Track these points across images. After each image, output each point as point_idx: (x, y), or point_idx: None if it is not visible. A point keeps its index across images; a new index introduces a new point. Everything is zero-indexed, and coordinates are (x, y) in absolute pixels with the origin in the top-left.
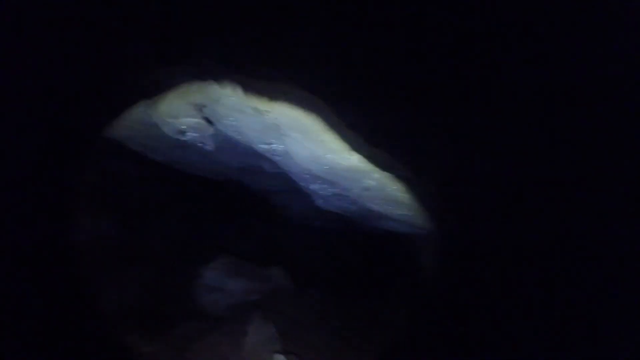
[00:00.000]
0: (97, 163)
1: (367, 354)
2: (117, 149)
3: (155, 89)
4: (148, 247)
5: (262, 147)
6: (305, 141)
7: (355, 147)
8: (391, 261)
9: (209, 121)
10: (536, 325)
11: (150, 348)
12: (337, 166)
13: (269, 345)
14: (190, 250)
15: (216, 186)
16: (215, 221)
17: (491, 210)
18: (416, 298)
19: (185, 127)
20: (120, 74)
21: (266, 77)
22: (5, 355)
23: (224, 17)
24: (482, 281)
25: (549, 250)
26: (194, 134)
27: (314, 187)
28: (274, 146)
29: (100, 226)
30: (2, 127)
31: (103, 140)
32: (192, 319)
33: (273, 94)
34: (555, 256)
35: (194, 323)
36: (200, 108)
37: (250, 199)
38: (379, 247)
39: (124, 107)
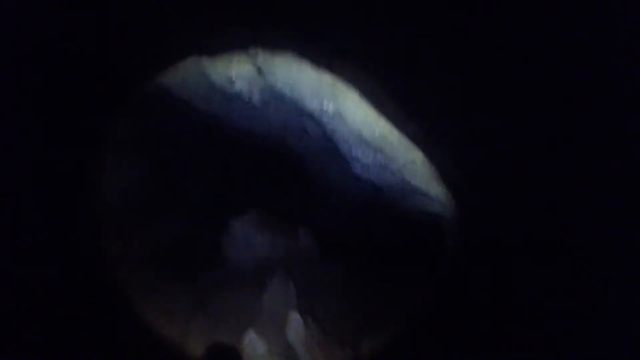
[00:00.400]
0: (140, 109)
1: (385, 329)
2: (164, 97)
3: (214, 45)
4: (181, 196)
5: (311, 105)
6: (361, 103)
7: (411, 117)
8: (420, 240)
9: (260, 71)
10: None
11: (170, 295)
12: (389, 134)
13: (288, 303)
14: (221, 202)
15: (256, 142)
16: (249, 177)
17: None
18: (438, 280)
19: (235, 76)
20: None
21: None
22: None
23: None
24: (499, 269)
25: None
26: (243, 85)
27: (356, 152)
28: (325, 105)
29: (136, 171)
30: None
31: (150, 87)
32: (215, 270)
33: (332, 55)
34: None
35: (217, 273)
36: (254, 58)
37: (288, 159)
38: (410, 224)
39: (178, 57)
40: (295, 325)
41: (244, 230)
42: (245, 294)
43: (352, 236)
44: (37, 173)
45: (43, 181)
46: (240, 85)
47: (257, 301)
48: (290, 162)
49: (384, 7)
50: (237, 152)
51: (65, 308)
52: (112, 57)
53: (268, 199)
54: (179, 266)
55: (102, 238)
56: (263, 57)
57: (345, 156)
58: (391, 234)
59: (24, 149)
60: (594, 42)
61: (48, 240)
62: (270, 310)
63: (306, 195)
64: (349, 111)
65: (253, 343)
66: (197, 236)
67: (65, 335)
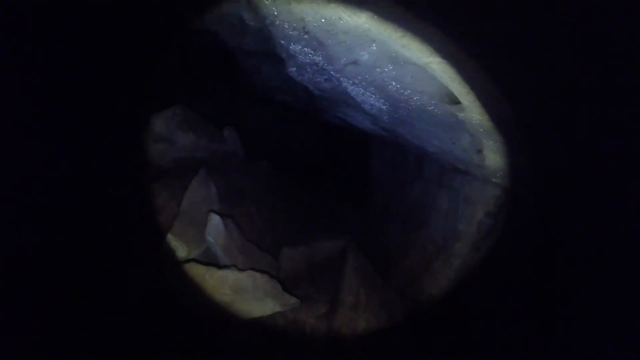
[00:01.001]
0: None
1: (306, 243)
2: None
3: None
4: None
5: None
6: None
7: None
8: (344, 156)
9: None
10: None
11: None
12: (337, 23)
13: (207, 204)
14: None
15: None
16: (176, 72)
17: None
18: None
19: None
20: None
21: None
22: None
23: None
24: None
25: None
26: None
27: (295, 48)
28: None
29: None
30: None
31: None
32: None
33: None
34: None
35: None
36: None
37: (219, 56)
38: (337, 138)
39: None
40: (215, 227)
41: (166, 129)
42: (165, 192)
43: (276, 142)
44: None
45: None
46: None
47: (176, 201)
48: (219, 60)
49: None
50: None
51: None
52: None
53: (193, 98)
54: None
55: None
56: None
57: (281, 53)
58: (316, 145)
59: None
60: None
61: None
62: (190, 211)
63: (233, 97)
64: None
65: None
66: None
67: None
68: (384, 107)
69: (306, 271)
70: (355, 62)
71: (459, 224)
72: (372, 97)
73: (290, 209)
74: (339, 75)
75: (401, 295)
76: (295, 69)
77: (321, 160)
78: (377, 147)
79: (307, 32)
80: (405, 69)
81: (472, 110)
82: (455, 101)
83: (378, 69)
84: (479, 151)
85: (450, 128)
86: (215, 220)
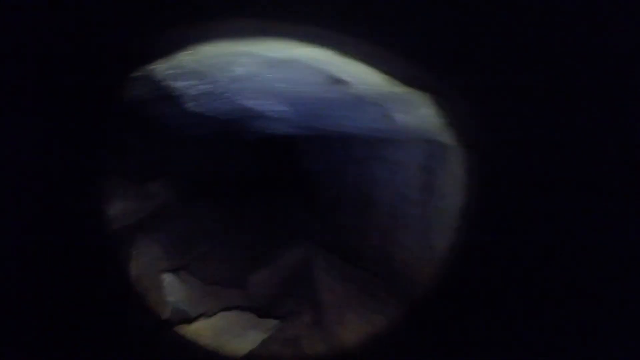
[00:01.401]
0: None
1: (258, 260)
2: None
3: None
4: None
5: None
6: None
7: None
8: (275, 165)
9: None
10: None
11: None
12: (205, 53)
13: (156, 265)
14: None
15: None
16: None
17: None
18: (309, 202)
19: None
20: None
21: None
22: None
23: None
24: None
25: None
26: None
27: (181, 84)
28: None
29: None
30: None
31: None
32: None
33: None
34: None
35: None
36: None
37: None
38: (261, 152)
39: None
40: (170, 286)
41: (96, 204)
42: (111, 268)
43: (206, 177)
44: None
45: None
46: None
47: (126, 274)
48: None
49: None
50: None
51: None
52: None
53: (113, 162)
54: None
55: None
56: None
57: (172, 93)
58: (246, 166)
59: None
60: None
61: None
62: (143, 278)
63: (149, 147)
64: None
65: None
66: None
67: None
68: (287, 108)
69: (278, 288)
70: (235, 79)
71: (404, 189)
72: (270, 103)
73: (241, 235)
74: (229, 94)
75: (376, 275)
76: (193, 102)
77: (259, 177)
78: (307, 146)
79: (183, 67)
80: (286, 68)
81: (360, 83)
82: (341, 81)
83: (259, 77)
84: (388, 116)
85: (355, 105)
86: (168, 279)
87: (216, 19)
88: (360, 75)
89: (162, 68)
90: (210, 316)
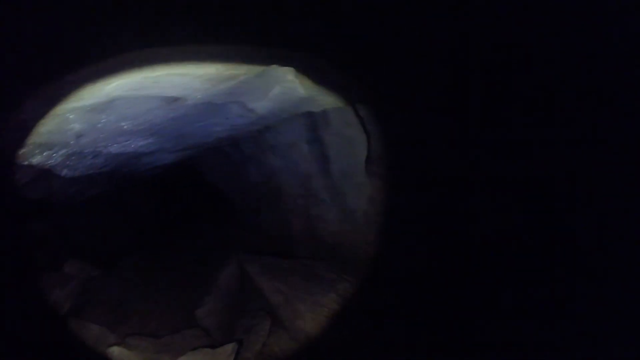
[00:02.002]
0: None
1: (198, 292)
2: None
3: None
4: None
5: None
6: None
7: None
8: (179, 194)
9: None
10: None
11: None
12: None
13: (103, 343)
14: None
15: None
16: None
17: None
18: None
19: None
20: None
21: None
22: None
23: None
24: None
25: None
26: None
27: (39, 159)
28: None
29: None
30: None
31: None
32: None
33: None
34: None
35: None
36: None
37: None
38: (159, 188)
39: None
40: (121, 357)
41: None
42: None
43: (111, 242)
44: None
45: None
46: None
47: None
48: None
49: None
50: None
51: None
52: None
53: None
54: None
55: None
56: None
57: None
58: (148, 207)
59: None
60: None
61: None
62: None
63: (41, 228)
64: None
65: None
66: None
67: None
68: (153, 140)
69: (229, 310)
70: (78, 134)
71: (303, 167)
72: (132, 141)
73: (173, 277)
74: (93, 148)
75: (311, 258)
76: (65, 170)
77: (168, 213)
78: (200, 163)
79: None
80: (117, 107)
81: (194, 92)
82: (174, 99)
83: (101, 124)
84: (250, 110)
85: (208, 112)
86: (115, 352)
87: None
88: (186, 83)
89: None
90: None
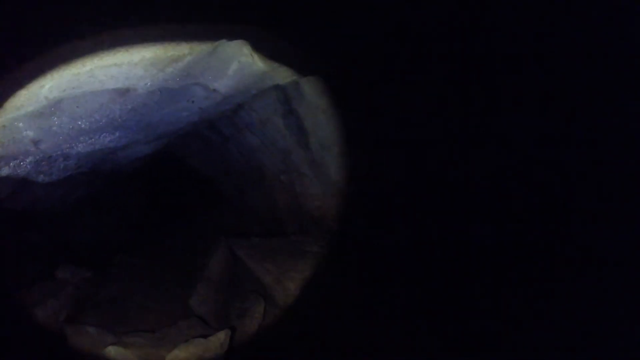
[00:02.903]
0: None
1: (189, 280)
2: None
3: None
4: None
5: None
6: None
7: None
8: (163, 183)
9: None
10: None
11: None
12: None
13: (100, 345)
14: None
15: None
16: None
17: None
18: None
19: None
20: None
21: None
22: None
23: None
24: None
25: None
26: None
27: (7, 170)
28: None
29: None
30: None
31: None
32: None
33: None
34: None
35: None
36: None
37: None
38: (139, 184)
39: None
40: (118, 355)
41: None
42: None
43: (103, 240)
44: None
45: None
46: None
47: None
48: None
49: None
50: None
51: None
52: None
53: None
54: None
55: None
56: None
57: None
58: (140, 207)
59: None
60: None
61: None
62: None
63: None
64: None
65: None
66: None
67: None
68: (120, 133)
69: (222, 296)
70: (40, 141)
71: (280, 142)
72: (97, 138)
73: (164, 266)
74: (61, 151)
75: (299, 233)
76: (42, 176)
77: (154, 204)
78: (179, 150)
79: None
80: (64, 108)
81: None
82: (124, 90)
83: (58, 126)
84: (213, 90)
85: (167, 98)
86: (112, 352)
87: None
88: (127, 74)
89: None
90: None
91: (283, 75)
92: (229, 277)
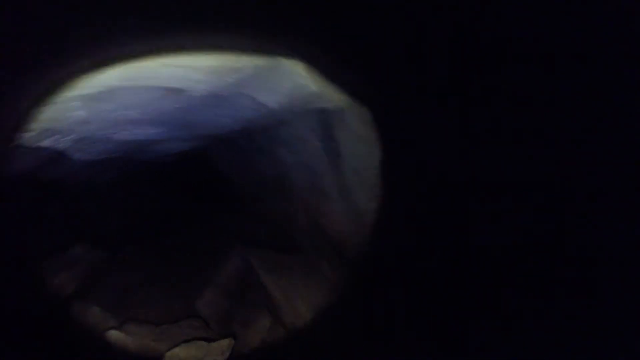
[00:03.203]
0: None
1: (200, 282)
2: None
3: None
4: None
5: None
6: None
7: None
8: (189, 181)
9: None
10: None
11: None
12: None
13: (101, 326)
14: None
15: None
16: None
17: None
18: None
19: None
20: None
21: None
22: None
23: None
24: None
25: None
26: None
27: (49, 141)
28: None
29: None
30: None
31: None
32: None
33: None
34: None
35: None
36: None
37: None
38: (166, 178)
39: None
40: (118, 341)
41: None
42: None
43: (122, 226)
44: None
45: None
46: None
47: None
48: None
49: None
50: None
51: None
52: None
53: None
54: None
55: None
56: None
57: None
58: (156, 202)
59: None
60: None
61: None
62: (91, 341)
63: (58, 210)
64: None
65: None
66: None
67: None
68: (162, 129)
69: (228, 302)
70: (83, 121)
71: (313, 162)
72: (142, 129)
73: (176, 264)
74: (101, 133)
75: (313, 254)
76: (79, 154)
77: (177, 199)
78: (210, 152)
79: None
80: (118, 96)
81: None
82: (179, 90)
83: (106, 111)
84: (262, 103)
85: (215, 103)
86: (114, 336)
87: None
88: (189, 75)
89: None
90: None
91: (331, 99)
92: (238, 285)
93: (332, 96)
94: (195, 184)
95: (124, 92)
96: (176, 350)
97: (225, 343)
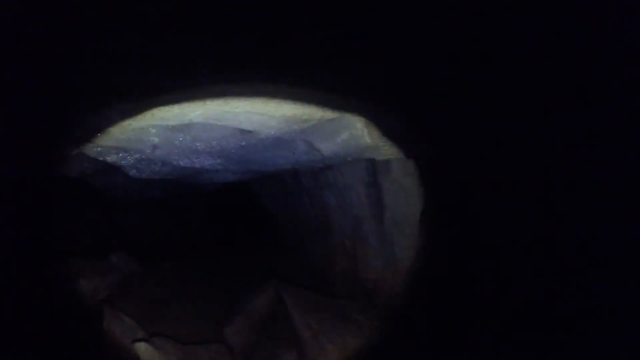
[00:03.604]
0: None
1: (231, 310)
2: None
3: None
4: None
5: None
6: None
7: None
8: (231, 213)
9: None
10: None
11: None
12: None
13: (129, 336)
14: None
15: None
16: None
17: None
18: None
19: None
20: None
21: None
22: None
23: None
24: None
25: None
26: None
27: (114, 157)
28: None
29: None
30: None
31: None
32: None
33: None
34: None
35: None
36: None
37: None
38: (214, 203)
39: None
40: (146, 354)
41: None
42: (85, 343)
43: (162, 238)
44: None
45: None
46: None
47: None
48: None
49: None
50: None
51: None
52: None
53: (71, 239)
54: None
55: None
56: None
57: (115, 165)
58: (200, 221)
59: None
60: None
61: None
62: (117, 350)
63: (103, 219)
64: None
65: None
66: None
67: None
68: (219, 160)
69: (256, 334)
70: (156, 146)
71: (356, 209)
72: (201, 159)
73: (210, 288)
74: (163, 158)
75: (347, 299)
76: (134, 170)
77: (218, 227)
78: (256, 187)
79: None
80: (192, 130)
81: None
82: (248, 131)
83: (177, 141)
84: (317, 149)
85: (275, 145)
86: (142, 348)
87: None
88: (262, 121)
89: (92, 146)
90: None
91: (382, 151)
92: (268, 319)
93: (382, 149)
94: (239, 214)
95: (199, 127)
96: None
97: None
